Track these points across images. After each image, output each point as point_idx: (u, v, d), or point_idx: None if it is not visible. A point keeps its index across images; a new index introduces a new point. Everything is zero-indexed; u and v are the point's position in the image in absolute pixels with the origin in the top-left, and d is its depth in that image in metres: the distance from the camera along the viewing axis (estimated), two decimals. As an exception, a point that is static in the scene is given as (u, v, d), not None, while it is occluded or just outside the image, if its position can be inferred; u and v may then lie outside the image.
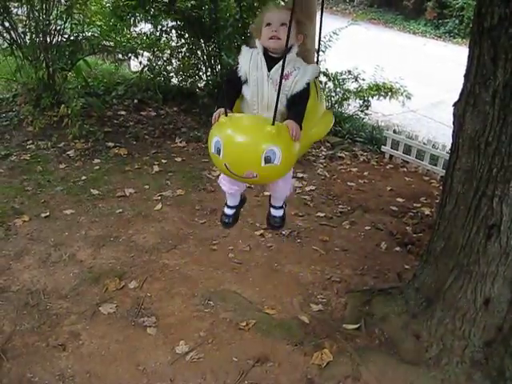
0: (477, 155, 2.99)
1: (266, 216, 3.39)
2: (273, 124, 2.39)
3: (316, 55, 3.21)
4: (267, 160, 2.34)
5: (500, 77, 2.80)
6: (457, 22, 18.95)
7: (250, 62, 2.62)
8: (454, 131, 3.23)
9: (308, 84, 2.57)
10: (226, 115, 2.49)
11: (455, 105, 3.18)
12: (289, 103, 2.54)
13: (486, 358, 3.06)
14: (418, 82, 9.80)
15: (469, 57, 3.03)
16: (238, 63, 2.66)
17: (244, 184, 3.09)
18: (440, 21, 19.71)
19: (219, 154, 2.42)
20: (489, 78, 2.86)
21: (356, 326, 3.58)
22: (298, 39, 2.64)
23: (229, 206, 3.30)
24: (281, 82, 2.31)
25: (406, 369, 3.18)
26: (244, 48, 2.70)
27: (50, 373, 3.15)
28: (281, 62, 2.39)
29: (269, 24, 2.59)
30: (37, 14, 6.88)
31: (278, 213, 3.32)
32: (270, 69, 2.57)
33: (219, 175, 3.09)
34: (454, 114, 3.18)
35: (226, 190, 3.12)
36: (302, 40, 2.68)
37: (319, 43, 3.31)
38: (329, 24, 8.23)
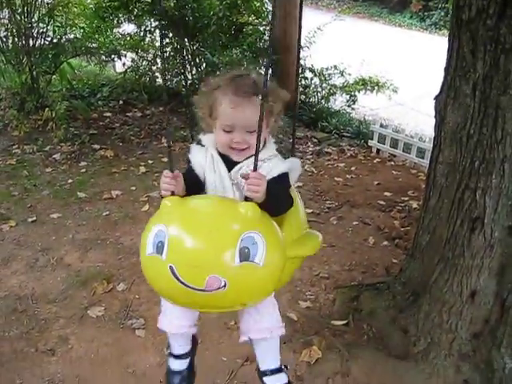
0: (459, 148, 3.00)
1: None
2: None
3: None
4: (244, 255, 1.65)
5: (480, 69, 2.80)
6: (442, 13, 19.02)
7: (205, 161, 2.10)
8: (435, 124, 3.24)
9: (286, 173, 2.01)
10: (173, 194, 1.85)
11: (436, 98, 3.18)
12: None
13: (474, 350, 3.06)
14: (404, 76, 9.81)
15: (448, 50, 3.04)
16: (189, 162, 2.14)
17: (194, 317, 2.28)
18: (425, 13, 19.77)
19: (161, 254, 1.68)
20: (469, 70, 2.86)
21: (344, 321, 3.58)
22: (270, 127, 2.08)
23: (177, 356, 2.35)
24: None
25: (394, 363, 3.18)
26: (194, 146, 2.15)
27: (39, 378, 3.13)
28: (244, 163, 2.02)
29: (229, 130, 1.99)
30: (18, 17, 6.88)
31: (279, 380, 2.24)
32: (229, 169, 2.05)
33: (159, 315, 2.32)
34: (436, 108, 3.18)
35: (171, 330, 2.28)
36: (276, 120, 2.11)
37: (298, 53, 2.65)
38: (313, 19, 8.28)
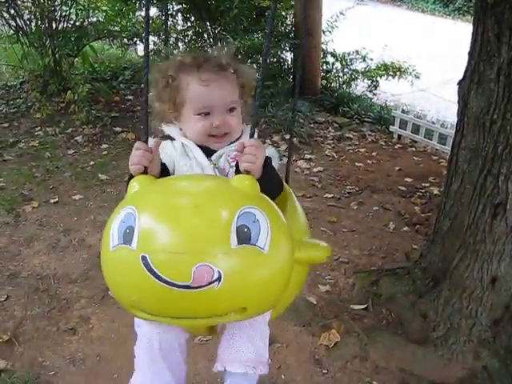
0: (482, 133, 2.97)
1: None
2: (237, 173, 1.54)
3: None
4: (242, 235, 1.31)
5: (504, 53, 2.77)
6: (466, -2, 18.72)
7: (173, 150, 1.84)
8: (458, 110, 3.21)
9: (270, 158, 1.68)
10: (146, 172, 1.55)
11: (460, 83, 3.15)
12: None
13: (494, 336, 3.05)
14: (427, 61, 9.70)
15: (473, 34, 3.00)
16: None
17: (183, 353, 1.78)
18: (449, -2, 19.49)
19: (130, 243, 1.31)
20: (493, 55, 2.83)
21: (363, 306, 3.58)
22: (244, 104, 1.88)
23: None
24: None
25: (413, 348, 3.17)
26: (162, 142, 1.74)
27: (60, 356, 3.17)
28: (225, 149, 1.83)
29: (205, 113, 1.78)
30: (42, 0, 6.87)
31: None
32: (208, 155, 1.82)
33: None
34: (459, 93, 3.16)
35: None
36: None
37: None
38: (335, 3, 8.22)
